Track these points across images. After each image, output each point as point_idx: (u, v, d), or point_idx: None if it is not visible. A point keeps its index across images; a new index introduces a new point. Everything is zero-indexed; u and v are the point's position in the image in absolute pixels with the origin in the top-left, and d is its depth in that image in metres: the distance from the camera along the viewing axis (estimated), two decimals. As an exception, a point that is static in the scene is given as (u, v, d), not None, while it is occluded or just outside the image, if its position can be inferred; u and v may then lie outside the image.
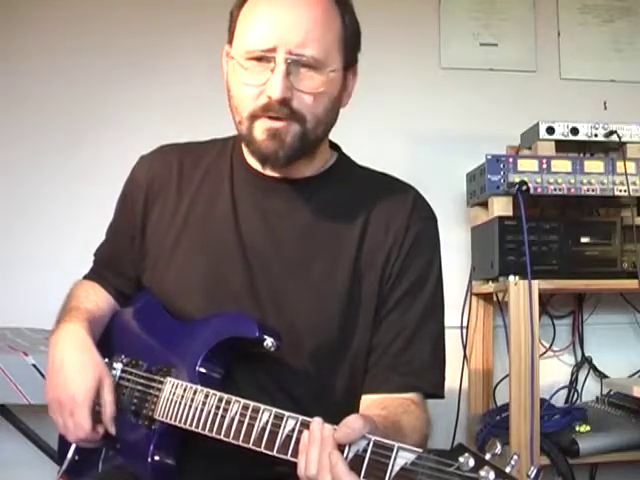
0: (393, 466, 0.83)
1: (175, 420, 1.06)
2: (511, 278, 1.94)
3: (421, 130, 2.45)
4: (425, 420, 1.09)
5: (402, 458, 0.83)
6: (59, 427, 1.13)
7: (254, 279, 1.14)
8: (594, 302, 2.41)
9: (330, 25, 1.09)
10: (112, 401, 1.11)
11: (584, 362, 2.41)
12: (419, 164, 2.39)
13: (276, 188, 1.17)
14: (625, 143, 2.12)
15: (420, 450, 0.83)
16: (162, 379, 1.11)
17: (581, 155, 2.20)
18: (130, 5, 2.38)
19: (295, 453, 0.92)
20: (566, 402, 2.36)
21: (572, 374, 2.40)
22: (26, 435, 2.01)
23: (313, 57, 1.05)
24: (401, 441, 0.85)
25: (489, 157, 2.06)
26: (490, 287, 2.14)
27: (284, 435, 0.94)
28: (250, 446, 0.96)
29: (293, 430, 0.93)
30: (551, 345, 2.39)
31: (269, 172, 1.17)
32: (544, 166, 2.04)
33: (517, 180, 2.01)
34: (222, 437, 1.00)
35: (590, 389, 2.40)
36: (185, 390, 1.06)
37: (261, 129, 1.08)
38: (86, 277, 1.32)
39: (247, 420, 0.98)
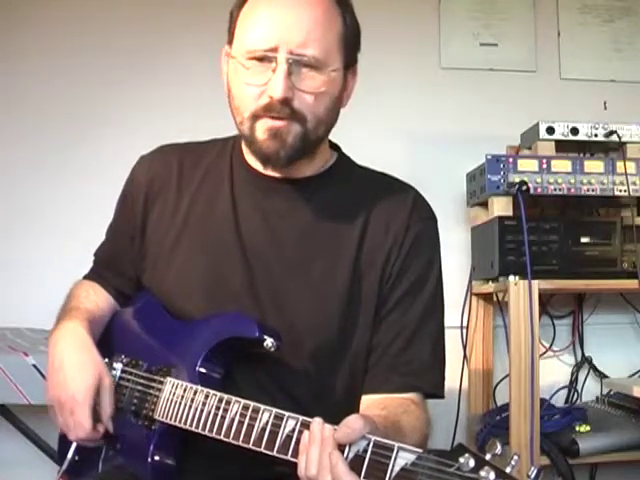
0: (393, 466, 0.83)
1: (175, 420, 1.06)
2: (511, 278, 1.94)
3: (421, 130, 2.45)
4: (425, 420, 1.09)
5: (402, 458, 0.83)
6: (60, 426, 1.13)
7: (254, 279, 1.14)
8: (594, 302, 2.41)
9: (331, 25, 1.09)
10: (111, 400, 1.11)
11: (584, 362, 2.41)
12: (419, 164, 2.39)
13: (276, 188, 1.17)
14: (625, 143, 2.12)
15: (420, 450, 0.83)
16: (162, 379, 1.11)
17: (581, 155, 2.20)
18: (130, 5, 2.38)
19: (295, 453, 0.92)
20: (566, 402, 2.36)
21: (572, 374, 2.40)
22: (26, 435, 2.01)
23: (314, 57, 1.06)
24: (401, 441, 0.85)
25: (489, 157, 2.06)
26: (490, 287, 2.14)
27: (284, 435, 0.94)
28: (250, 446, 0.96)
29: (293, 430, 0.93)
30: (551, 345, 2.39)
31: (269, 172, 1.17)
32: (544, 166, 2.04)
33: (517, 180, 2.01)
34: (222, 437, 1.00)
35: (590, 389, 2.40)
36: (185, 390, 1.06)
37: (262, 129, 1.08)
38: (86, 277, 1.32)
39: (247, 420, 0.98)
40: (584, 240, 2.04)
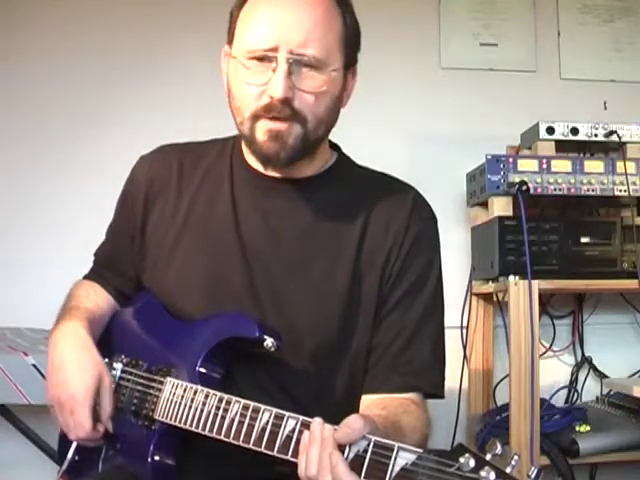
0: (393, 466, 0.83)
1: (175, 420, 1.06)
2: (511, 278, 1.94)
3: (421, 130, 2.45)
4: (425, 420, 1.09)
5: (402, 458, 0.83)
6: (60, 425, 1.13)
7: (254, 279, 1.14)
8: (594, 302, 2.41)
9: (331, 25, 1.09)
10: (111, 400, 1.11)
11: (584, 362, 2.41)
12: (419, 164, 2.39)
13: (276, 188, 1.17)
14: (625, 143, 2.12)
15: (420, 450, 0.83)
16: (162, 379, 1.11)
17: (581, 155, 2.20)
18: (130, 5, 2.38)
19: (295, 453, 0.92)
20: (566, 402, 2.36)
21: (572, 374, 2.40)
22: (26, 435, 2.01)
23: (314, 57, 1.06)
24: (401, 441, 0.85)
25: (489, 157, 2.06)
26: (490, 287, 2.14)
27: (284, 435, 0.94)
28: (250, 446, 0.96)
29: (293, 430, 0.93)
30: (551, 345, 2.39)
31: (269, 172, 1.17)
32: (544, 166, 2.04)
33: (517, 180, 2.01)
34: (222, 437, 1.00)
35: (590, 389, 2.40)
36: (185, 390, 1.06)
37: (262, 130, 1.08)
38: (86, 277, 1.32)
39: (247, 420, 0.98)
40: (584, 240, 2.04)
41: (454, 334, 2.26)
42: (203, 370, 1.08)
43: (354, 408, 1.10)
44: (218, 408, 1.02)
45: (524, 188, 1.98)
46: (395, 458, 0.83)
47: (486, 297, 2.30)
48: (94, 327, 1.19)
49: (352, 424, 0.87)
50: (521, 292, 1.91)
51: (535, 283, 1.91)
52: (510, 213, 2.04)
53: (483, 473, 0.77)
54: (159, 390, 1.10)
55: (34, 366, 1.75)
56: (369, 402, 1.11)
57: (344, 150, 1.26)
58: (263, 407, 0.97)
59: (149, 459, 1.07)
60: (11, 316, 2.11)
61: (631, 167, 2.06)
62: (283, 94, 1.04)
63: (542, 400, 2.01)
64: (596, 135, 2.13)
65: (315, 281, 1.13)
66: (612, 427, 2.05)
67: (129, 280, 1.26)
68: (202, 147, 1.27)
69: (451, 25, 2.51)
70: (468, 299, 2.30)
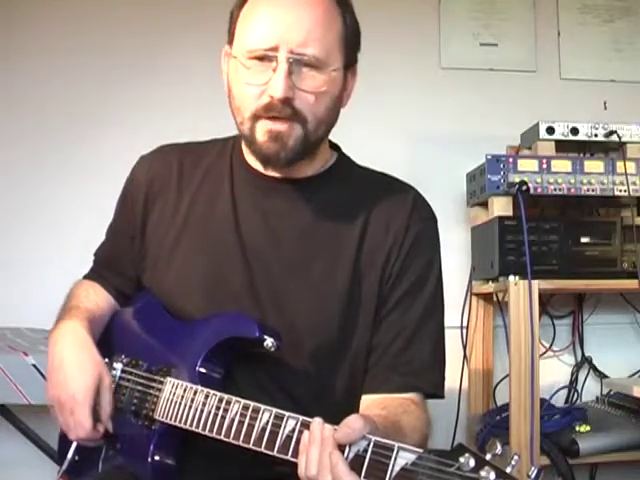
0: (393, 466, 0.83)
1: (175, 420, 1.06)
2: (511, 278, 1.94)
3: (421, 130, 2.45)
4: (425, 420, 1.09)
5: (402, 458, 0.83)
6: (60, 425, 1.13)
7: (254, 279, 1.14)
8: (594, 302, 2.41)
9: (331, 25, 1.09)
10: (111, 400, 1.11)
11: (584, 362, 2.41)
12: (419, 164, 2.39)
13: (276, 188, 1.17)
14: (625, 143, 2.12)
15: (420, 450, 0.83)
16: (162, 379, 1.11)
17: (581, 155, 2.20)
18: (130, 5, 2.38)
19: (295, 453, 0.92)
20: (566, 402, 2.36)
21: (572, 374, 2.40)
22: (26, 435, 2.01)
23: (315, 56, 1.06)
24: (401, 441, 0.85)
25: (489, 157, 2.06)
26: (490, 287, 2.14)
27: (284, 435, 0.94)
28: (250, 446, 0.96)
29: (293, 430, 0.93)
30: (551, 345, 2.39)
31: (269, 172, 1.17)
32: (544, 166, 2.04)
33: (517, 180, 2.01)
34: (222, 437, 1.00)
35: (590, 389, 2.40)
36: (185, 390, 1.06)
37: (263, 131, 1.08)
38: (86, 277, 1.32)
39: (247, 420, 0.98)
40: (584, 240, 2.04)
41: (454, 334, 2.26)
42: (203, 370, 1.08)
43: (354, 408, 1.10)
44: (218, 408, 1.02)
45: (524, 188, 1.98)
46: (395, 458, 0.83)
47: (486, 297, 2.30)
48: (94, 327, 1.19)
49: (352, 424, 0.87)
50: (521, 292, 1.91)
51: (535, 283, 1.91)
52: (510, 213, 2.04)
53: (483, 473, 0.77)
54: (159, 390, 1.10)
55: (34, 366, 1.75)
56: (369, 402, 1.11)
57: (344, 150, 1.26)
58: (263, 407, 0.97)
59: (149, 459, 1.07)
60: (11, 316, 2.11)
61: (631, 167, 2.06)
62: (283, 94, 1.04)
63: (542, 400, 2.00)
64: (596, 135, 2.13)
65: (315, 281, 1.13)
66: (612, 427, 2.05)
67: (129, 280, 1.26)
68: (202, 147, 1.27)
69: (451, 25, 2.51)
70: (468, 299, 2.30)
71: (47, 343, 1.20)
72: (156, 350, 1.16)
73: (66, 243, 2.22)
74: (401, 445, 0.84)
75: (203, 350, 1.09)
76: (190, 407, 1.05)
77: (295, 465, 0.91)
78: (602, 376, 2.38)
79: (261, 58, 1.06)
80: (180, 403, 1.06)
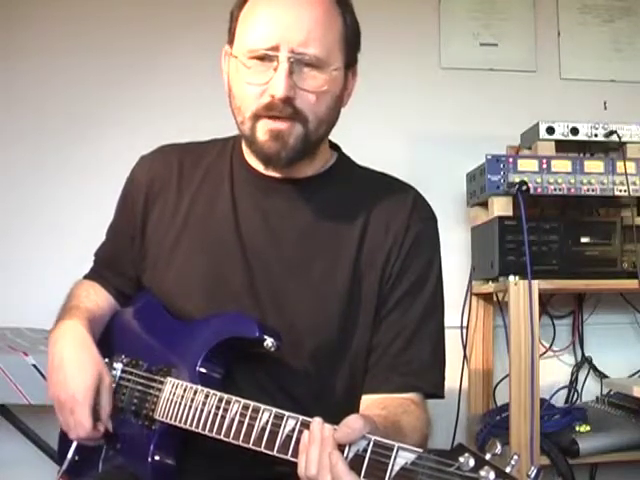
0: (393, 466, 0.83)
1: (175, 420, 1.06)
2: (511, 278, 1.94)
3: (421, 130, 2.45)
4: (425, 420, 1.09)
5: (402, 458, 0.83)
6: (60, 424, 1.13)
7: (254, 279, 1.14)
8: (594, 302, 2.41)
9: (331, 24, 1.09)
10: (110, 400, 1.12)
11: (584, 362, 2.41)
12: (419, 164, 2.39)
13: (276, 188, 1.17)
14: (625, 143, 2.12)
15: (420, 450, 0.83)
16: (162, 379, 1.11)
17: (581, 155, 2.20)
18: (130, 5, 2.38)
19: (295, 453, 0.92)
20: (566, 402, 2.36)
21: (572, 374, 2.40)
22: (26, 435, 2.01)
23: (315, 56, 1.06)
24: (401, 441, 0.85)
25: (489, 157, 2.06)
26: (490, 287, 2.14)
27: (284, 435, 0.94)
28: (250, 446, 0.96)
29: (293, 430, 0.93)
30: (551, 345, 2.39)
31: (269, 172, 1.17)
32: (544, 166, 2.04)
33: (517, 180, 2.01)
34: (222, 437, 1.00)
35: (590, 389, 2.40)
36: (185, 390, 1.06)
37: (263, 130, 1.08)
38: (86, 277, 1.32)
39: (247, 420, 0.98)
40: (584, 240, 2.04)
41: (454, 334, 2.26)
42: (203, 370, 1.08)
43: (354, 408, 1.10)
44: (218, 408, 1.02)
45: (524, 188, 1.98)
46: (395, 458, 0.83)
47: (486, 297, 2.30)
48: (94, 326, 1.19)
49: (352, 424, 0.87)
50: (521, 292, 1.91)
51: (535, 283, 1.91)
52: (510, 213, 2.04)
53: (483, 473, 0.77)
54: (159, 390, 1.10)
55: (34, 366, 1.75)
56: (369, 402, 1.11)
57: (344, 150, 1.26)
58: (263, 407, 0.97)
59: (149, 459, 1.07)
60: (11, 316, 2.11)
61: (631, 167, 2.06)
62: (284, 93, 1.04)
63: (542, 400, 2.00)
64: (596, 135, 2.13)
65: (315, 281, 1.13)
66: (612, 427, 2.05)
67: (129, 280, 1.26)
68: (202, 147, 1.27)
69: (451, 25, 2.51)
70: (468, 299, 2.30)
71: (47, 343, 1.20)
72: (156, 350, 1.16)
73: (66, 243, 2.22)
74: (401, 445, 0.84)
75: (203, 350, 1.09)
76: (190, 407, 1.05)
77: (295, 465, 0.91)
78: (602, 376, 2.38)
79: (262, 58, 1.06)
80: (180, 403, 1.06)
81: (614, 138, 2.11)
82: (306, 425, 0.92)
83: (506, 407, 1.97)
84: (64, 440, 1.18)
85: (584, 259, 2.03)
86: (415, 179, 1.25)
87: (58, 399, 1.11)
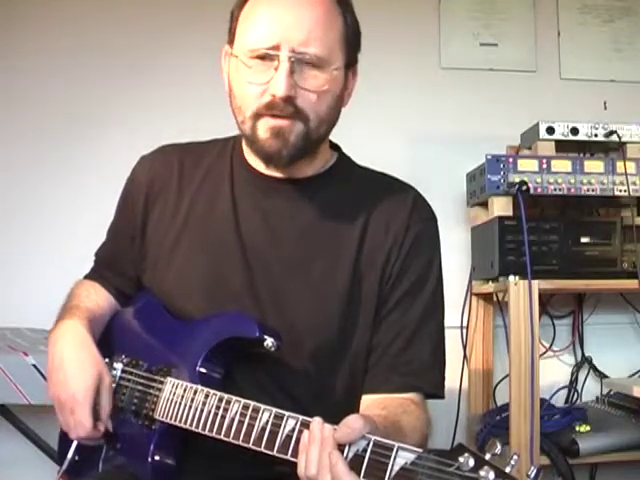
0: (393, 466, 0.83)
1: (175, 420, 1.06)
2: (511, 278, 1.94)
3: (421, 130, 2.45)
4: (425, 420, 1.09)
5: (402, 458, 0.83)
6: (61, 424, 1.13)
7: (254, 279, 1.14)
8: (594, 302, 2.41)
9: (332, 24, 1.09)
10: (110, 399, 1.12)
11: (584, 362, 2.41)
12: (419, 164, 2.39)
13: (277, 188, 1.17)
14: (625, 143, 2.12)
15: (420, 450, 0.83)
16: (162, 379, 1.11)
17: (581, 155, 2.20)
18: (130, 4, 2.38)
19: (295, 453, 0.92)
20: (566, 402, 2.36)
21: (572, 374, 2.40)
22: (26, 435, 2.01)
23: (316, 55, 1.06)
24: (401, 441, 0.85)
25: (489, 157, 2.06)
26: (490, 287, 2.14)
27: (284, 435, 0.94)
28: (250, 446, 0.96)
29: (293, 430, 0.93)
30: (551, 345, 2.39)
31: (270, 172, 1.17)
32: (544, 166, 2.04)
33: (517, 180, 2.01)
34: (222, 437, 1.00)
35: (590, 389, 2.40)
36: (185, 390, 1.06)
37: (264, 128, 1.08)
38: (87, 277, 1.32)
39: (247, 420, 0.98)
40: (584, 240, 2.04)
41: (454, 334, 2.26)
42: (203, 370, 1.08)
43: (354, 408, 1.10)
44: (218, 408, 1.02)
45: (524, 188, 1.98)
46: (395, 458, 0.83)
47: (486, 297, 2.30)
48: (94, 326, 1.19)
49: (352, 424, 0.87)
50: (521, 292, 1.91)
51: (535, 283, 1.91)
52: (510, 213, 2.04)
53: (482, 472, 0.77)
54: (159, 390, 1.10)
55: (34, 366, 1.75)
56: (369, 402, 1.11)
57: (344, 150, 1.26)
58: (263, 407, 0.97)
59: (149, 459, 1.07)
60: (11, 316, 2.11)
61: (631, 167, 2.06)
62: (285, 92, 1.04)
63: (542, 400, 2.00)
64: (596, 135, 2.13)
65: (315, 281, 1.13)
66: (612, 427, 2.05)
67: (129, 280, 1.27)
68: (202, 147, 1.27)
69: (451, 25, 2.51)
70: (468, 299, 2.30)
71: (47, 343, 1.20)
72: (156, 350, 1.16)
73: (66, 243, 2.22)
74: (401, 445, 0.84)
75: (203, 350, 1.09)
76: (190, 407, 1.05)
77: (295, 465, 0.91)
78: (602, 376, 2.38)
79: (263, 57, 1.06)
80: (180, 403, 1.06)
81: (614, 138, 2.11)
82: (306, 425, 0.92)
83: (506, 407, 1.97)
84: (64, 440, 1.18)
85: (584, 259, 2.03)
86: (415, 179, 1.25)
87: (58, 399, 1.11)
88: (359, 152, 1.27)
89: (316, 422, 0.90)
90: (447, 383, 1.18)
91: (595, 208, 2.31)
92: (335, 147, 1.25)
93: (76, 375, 1.10)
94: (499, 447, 0.80)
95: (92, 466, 1.17)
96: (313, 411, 0.93)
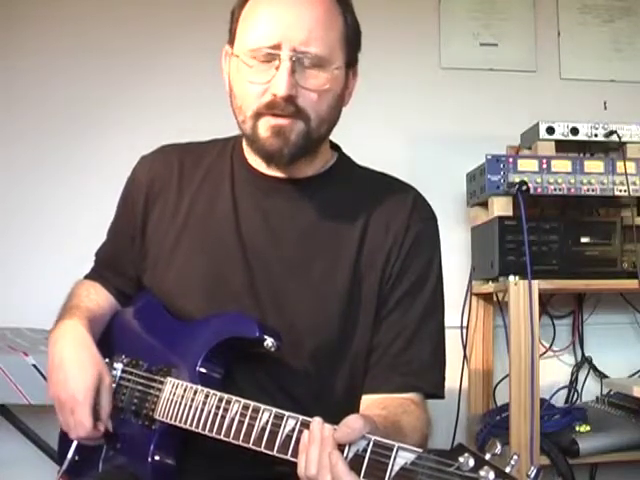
0: (393, 466, 0.83)
1: (175, 420, 1.06)
2: (511, 278, 1.94)
3: (421, 130, 2.45)
4: (425, 420, 1.09)
5: (402, 458, 0.83)
6: (61, 424, 1.13)
7: (254, 279, 1.14)
8: (594, 302, 2.41)
9: (332, 24, 1.09)
10: (110, 399, 1.12)
11: (584, 362, 2.41)
12: (419, 164, 2.39)
13: (277, 188, 1.17)
14: (625, 143, 2.12)
15: (420, 450, 0.83)
16: (162, 379, 1.11)
17: (581, 155, 2.20)
18: (129, 5, 2.38)
19: (295, 453, 0.92)
20: (566, 402, 2.36)
21: (572, 374, 2.40)
22: (26, 435, 2.01)
23: (317, 54, 1.06)
24: (401, 441, 0.85)
25: (489, 157, 2.06)
26: (490, 287, 2.14)
27: (284, 435, 0.94)
28: (250, 446, 0.96)
29: (293, 430, 0.93)
30: (551, 345, 2.39)
31: (270, 172, 1.17)
32: (544, 166, 2.04)
33: (517, 180, 2.01)
34: (222, 437, 1.00)
35: (590, 389, 2.40)
36: (185, 390, 1.06)
37: (265, 127, 1.08)
38: (87, 277, 1.32)
39: (247, 420, 0.98)
40: (584, 240, 2.04)
41: (454, 334, 2.26)
42: (203, 370, 1.08)
43: (354, 408, 1.10)
44: (218, 408, 1.02)
45: (524, 188, 1.98)
46: (395, 458, 0.83)
47: (486, 297, 2.30)
48: (94, 326, 1.19)
49: (352, 424, 0.87)
50: (521, 292, 1.91)
51: (535, 283, 1.91)
52: (510, 213, 2.04)
53: (482, 473, 0.77)
54: (159, 390, 1.10)
55: (34, 366, 1.75)
56: (369, 402, 1.11)
57: (344, 150, 1.26)
58: (263, 407, 0.97)
59: (149, 459, 1.07)
60: (11, 316, 2.11)
61: (631, 167, 2.06)
62: (287, 91, 1.04)
63: (542, 400, 2.00)
64: (596, 135, 2.13)
65: (315, 281, 1.13)
66: (612, 427, 2.05)
67: (130, 280, 1.27)
68: (203, 147, 1.27)
69: (451, 25, 2.51)
70: (468, 299, 2.30)
71: (47, 343, 1.20)
72: (156, 350, 1.16)
73: (66, 243, 2.22)
74: (401, 445, 0.84)
75: (203, 350, 1.09)
76: (190, 407, 1.05)
77: (295, 465, 0.91)
78: (602, 376, 2.38)
79: (264, 57, 1.06)
80: (180, 403, 1.06)
81: (614, 138, 2.11)
82: (306, 425, 0.92)
83: (506, 407, 1.97)
84: (64, 440, 1.18)
85: (584, 259, 2.03)
86: (415, 179, 1.25)
87: (58, 399, 1.11)
88: (359, 152, 1.27)
89: (316, 422, 0.90)
90: (447, 383, 1.18)
91: (595, 208, 2.31)
92: (335, 147, 1.25)
93: (76, 375, 1.10)
94: (499, 447, 0.80)
95: (92, 466, 1.17)
96: (313, 411, 0.93)
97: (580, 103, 2.45)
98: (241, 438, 0.98)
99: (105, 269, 1.30)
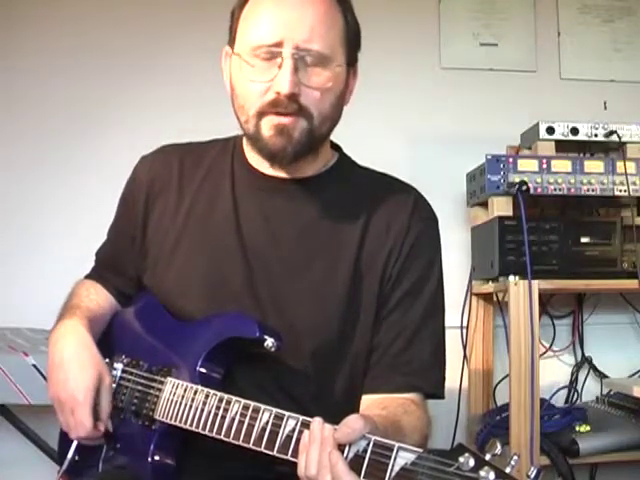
0: (393, 466, 0.83)
1: (175, 420, 1.06)
2: (511, 278, 1.94)
3: (421, 130, 2.45)
4: (425, 420, 1.09)
5: (402, 458, 0.83)
6: (61, 424, 1.13)
7: (254, 279, 1.14)
8: (594, 302, 2.41)
9: (333, 22, 1.09)
10: (110, 400, 1.12)
11: (584, 362, 2.41)
12: (419, 164, 2.39)
13: (278, 188, 1.17)
14: (625, 143, 2.12)
15: (420, 450, 0.83)
16: (163, 379, 1.11)
17: (581, 155, 2.20)
18: (129, 5, 2.38)
19: (295, 453, 0.92)
20: (566, 402, 2.36)
21: (572, 374, 2.40)
22: (26, 435, 2.01)
23: (319, 52, 1.06)
24: (401, 441, 0.85)
25: (489, 157, 2.06)
26: (490, 287, 2.14)
27: (284, 435, 0.94)
28: (250, 446, 0.96)
29: (293, 430, 0.93)
30: (551, 345, 2.39)
31: (271, 172, 1.17)
32: (544, 166, 2.04)
33: (517, 180, 2.01)
34: (222, 437, 1.00)
35: (590, 389, 2.40)
36: (185, 390, 1.06)
37: (268, 125, 1.08)
38: (87, 277, 1.32)
39: (247, 420, 0.98)
40: (584, 240, 2.04)
41: (454, 334, 2.26)
42: (203, 370, 1.08)
43: (354, 408, 1.10)
44: (218, 408, 1.02)
45: (524, 188, 1.98)
46: (395, 458, 0.83)
47: (486, 297, 2.30)
48: (95, 326, 1.19)
49: (352, 424, 0.87)
50: (521, 292, 1.91)
51: (535, 283, 1.91)
52: (510, 213, 2.04)
53: (482, 473, 0.77)
54: (159, 390, 1.10)
55: (34, 366, 1.75)
56: (369, 402, 1.11)
57: (344, 150, 1.26)
58: (263, 407, 0.97)
59: (149, 459, 1.07)
60: (11, 316, 2.11)
61: (631, 167, 2.06)
62: (290, 89, 1.04)
63: (542, 400, 2.01)
64: (596, 135, 2.13)
65: (315, 281, 1.13)
66: (612, 427, 2.05)
67: (130, 280, 1.26)
68: (203, 147, 1.27)
69: (451, 25, 2.51)
70: (468, 299, 2.30)
71: (47, 343, 1.20)
72: (157, 350, 1.16)
73: (66, 243, 2.22)
74: (401, 445, 0.84)
75: (203, 350, 1.09)
76: (190, 407, 1.05)
77: (295, 465, 0.91)
78: (602, 376, 2.38)
79: (265, 55, 1.06)
80: (180, 403, 1.06)
81: (614, 138, 2.11)
82: (306, 425, 0.92)
83: (506, 407, 1.97)
84: (64, 440, 1.18)
85: (584, 259, 2.03)
86: (415, 179, 1.25)
87: (58, 399, 1.11)
88: (359, 152, 1.27)
89: (316, 422, 0.90)
90: (447, 383, 1.18)
91: (595, 208, 2.31)
92: (336, 147, 1.25)
93: (76, 375, 1.10)
94: (499, 447, 0.80)
95: (92, 466, 1.17)
96: (313, 411, 0.93)
97: (580, 103, 2.45)
98: (241, 438, 0.98)
99: (105, 269, 1.30)
